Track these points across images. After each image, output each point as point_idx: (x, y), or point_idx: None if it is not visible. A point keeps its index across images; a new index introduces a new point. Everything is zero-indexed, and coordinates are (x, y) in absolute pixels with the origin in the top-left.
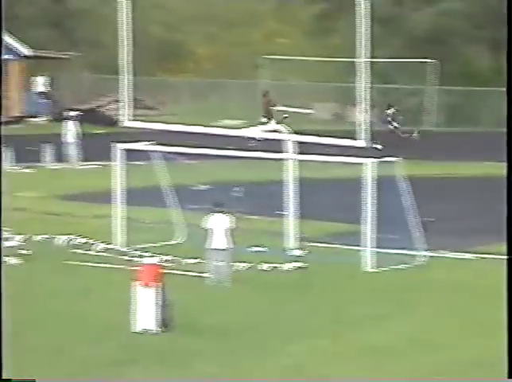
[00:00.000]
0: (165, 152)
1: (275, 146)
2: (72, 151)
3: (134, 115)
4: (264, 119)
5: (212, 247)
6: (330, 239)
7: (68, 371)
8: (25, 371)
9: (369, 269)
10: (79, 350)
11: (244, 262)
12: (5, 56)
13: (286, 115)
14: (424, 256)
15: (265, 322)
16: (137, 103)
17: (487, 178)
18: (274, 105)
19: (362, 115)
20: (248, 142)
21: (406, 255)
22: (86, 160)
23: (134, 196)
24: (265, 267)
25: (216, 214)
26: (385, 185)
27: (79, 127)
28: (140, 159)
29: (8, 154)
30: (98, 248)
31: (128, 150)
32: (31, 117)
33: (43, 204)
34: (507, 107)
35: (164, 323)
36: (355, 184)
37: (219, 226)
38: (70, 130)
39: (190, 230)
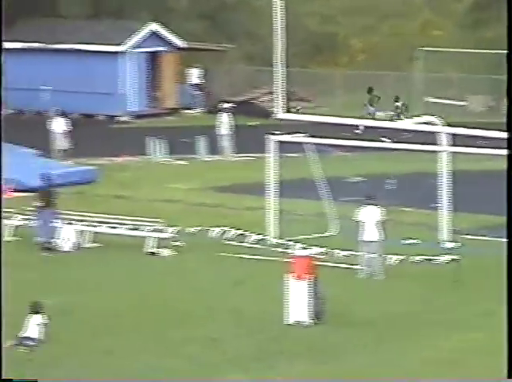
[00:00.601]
0: (318, 144)
1: (428, 138)
2: (226, 143)
3: (288, 107)
4: None
5: (364, 239)
6: (483, 231)
7: (219, 364)
8: (175, 362)
9: None
10: (231, 342)
11: (397, 254)
12: (159, 48)
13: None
14: None
15: (418, 314)
16: (290, 95)
17: None
18: None
19: None
20: (402, 134)
21: None
22: (239, 152)
23: (287, 189)
24: (417, 259)
25: (368, 206)
26: None
27: (234, 119)
28: (293, 151)
29: (161, 146)
30: (251, 240)
31: (282, 142)
32: (185, 109)
33: (196, 196)
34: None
35: (317, 315)
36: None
37: (370, 218)
38: (224, 122)
39: (342, 222)
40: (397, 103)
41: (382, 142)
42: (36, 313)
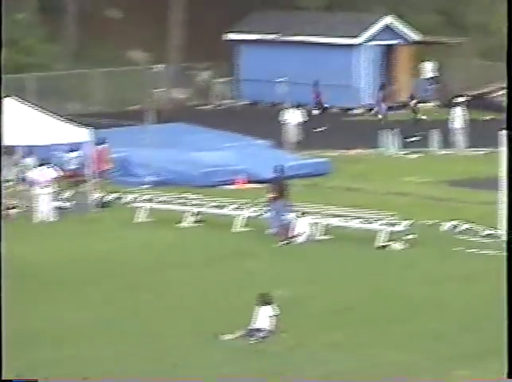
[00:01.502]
0: None
1: None
2: (459, 137)
3: None
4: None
5: None
6: None
7: (450, 358)
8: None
9: None
10: (459, 338)
11: None
12: (394, 41)
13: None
14: None
15: None
16: None
17: None
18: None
19: None
20: None
21: None
22: (473, 146)
23: None
24: None
25: None
26: None
27: (467, 113)
28: None
29: (394, 139)
30: (483, 235)
31: None
32: (419, 102)
33: (429, 190)
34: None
35: None
36: None
37: None
38: (458, 116)
39: None
40: (412, 101)
41: None
42: (266, 304)
